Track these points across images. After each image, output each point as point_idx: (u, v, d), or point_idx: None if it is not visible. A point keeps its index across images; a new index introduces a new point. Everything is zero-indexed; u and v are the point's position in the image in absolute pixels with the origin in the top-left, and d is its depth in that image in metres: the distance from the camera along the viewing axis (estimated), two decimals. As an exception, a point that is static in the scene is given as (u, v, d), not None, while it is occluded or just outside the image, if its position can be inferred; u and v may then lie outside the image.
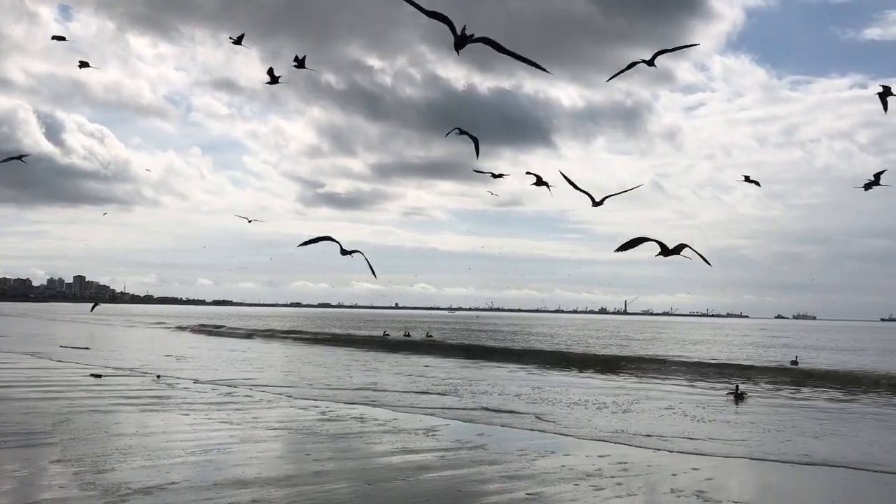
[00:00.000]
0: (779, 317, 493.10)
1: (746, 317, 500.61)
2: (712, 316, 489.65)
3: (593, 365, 32.68)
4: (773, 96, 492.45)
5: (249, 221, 17.60)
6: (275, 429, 15.81)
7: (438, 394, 23.92)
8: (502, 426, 17.17)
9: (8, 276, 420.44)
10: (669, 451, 14.35)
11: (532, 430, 16.69)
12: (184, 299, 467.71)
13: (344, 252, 11.23)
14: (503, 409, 20.23)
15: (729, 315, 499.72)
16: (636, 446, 14.91)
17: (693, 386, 28.41)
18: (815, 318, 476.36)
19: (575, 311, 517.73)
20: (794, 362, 43.45)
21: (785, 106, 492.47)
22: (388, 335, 63.80)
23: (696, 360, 36.24)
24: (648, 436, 16.44)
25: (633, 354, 45.78)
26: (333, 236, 11.15)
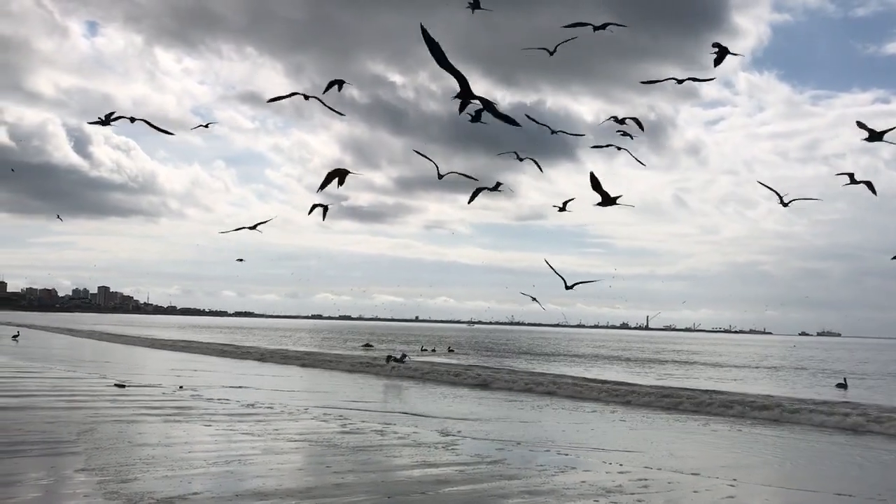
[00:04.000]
0: (803, 333, 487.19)
1: (770, 333, 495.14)
2: (735, 332, 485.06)
3: (625, 396, 30.58)
4: (794, 111, 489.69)
5: (253, 228, 16.85)
6: (295, 441, 15.88)
7: (457, 417, 23.90)
8: (520, 444, 17.11)
9: (34, 287, 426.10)
10: (691, 471, 14.24)
11: (551, 447, 16.64)
12: (206, 310, 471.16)
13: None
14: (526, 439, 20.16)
15: (752, 331, 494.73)
16: (657, 465, 14.79)
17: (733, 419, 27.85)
18: (839, 335, 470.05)
19: (596, 326, 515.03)
20: (842, 385, 40.37)
21: (806, 121, 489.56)
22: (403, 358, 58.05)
23: (739, 392, 30.33)
24: (670, 455, 16.37)
25: (666, 384, 45.23)
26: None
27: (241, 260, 23.28)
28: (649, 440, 18.63)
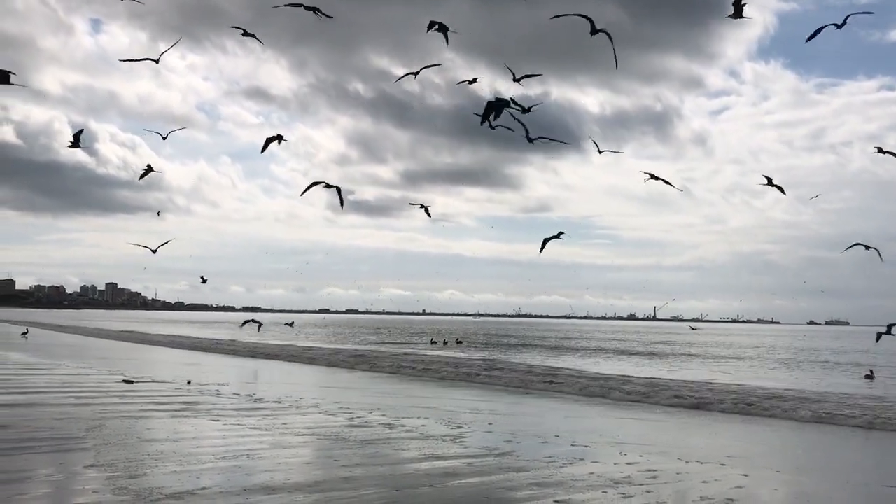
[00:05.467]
0: (811, 322, 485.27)
1: (778, 323, 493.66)
2: (743, 322, 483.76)
3: (635, 395, 27.67)
4: (799, 100, 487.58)
5: (153, 249, 16.56)
6: (303, 435, 15.90)
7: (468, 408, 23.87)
8: (528, 436, 17.09)
9: (43, 284, 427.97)
10: (700, 461, 14.20)
11: (560, 439, 16.61)
12: (213, 306, 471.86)
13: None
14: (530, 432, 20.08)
15: (760, 321, 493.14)
16: (666, 456, 14.75)
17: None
18: (848, 323, 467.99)
19: (604, 318, 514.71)
20: (869, 376, 39.25)
21: (812, 109, 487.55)
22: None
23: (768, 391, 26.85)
24: (679, 447, 16.34)
25: (674, 377, 44.94)
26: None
27: (204, 281, 24.20)
28: (658, 432, 18.61)
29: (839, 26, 12.17)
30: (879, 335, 34.82)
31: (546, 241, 14.12)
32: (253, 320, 36.51)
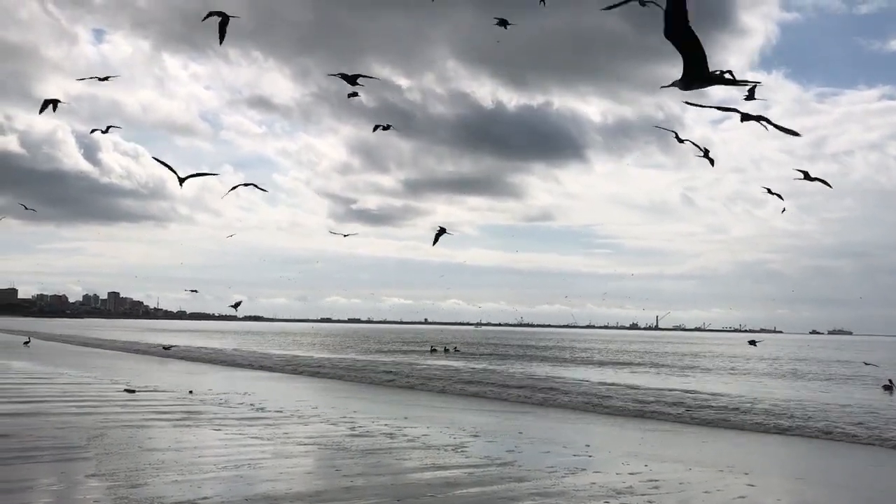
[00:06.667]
0: (814, 332, 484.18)
1: (780, 332, 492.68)
2: (746, 331, 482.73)
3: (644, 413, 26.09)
4: (800, 109, 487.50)
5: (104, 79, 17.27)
6: (305, 444, 15.88)
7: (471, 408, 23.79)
8: (530, 446, 17.06)
9: (45, 293, 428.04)
10: (702, 471, 14.17)
11: (561, 449, 16.58)
12: (216, 315, 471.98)
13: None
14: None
15: (763, 330, 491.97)
16: (668, 466, 14.72)
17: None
18: (851, 333, 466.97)
19: (606, 327, 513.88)
20: (889, 387, 37.33)
21: (812, 118, 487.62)
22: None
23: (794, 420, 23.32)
24: (681, 458, 16.30)
25: (676, 386, 44.90)
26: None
27: (194, 291, 25.52)
28: (661, 442, 18.56)
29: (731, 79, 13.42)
30: (886, 388, 34.28)
31: (437, 237, 15.35)
32: (166, 346, 39.01)
